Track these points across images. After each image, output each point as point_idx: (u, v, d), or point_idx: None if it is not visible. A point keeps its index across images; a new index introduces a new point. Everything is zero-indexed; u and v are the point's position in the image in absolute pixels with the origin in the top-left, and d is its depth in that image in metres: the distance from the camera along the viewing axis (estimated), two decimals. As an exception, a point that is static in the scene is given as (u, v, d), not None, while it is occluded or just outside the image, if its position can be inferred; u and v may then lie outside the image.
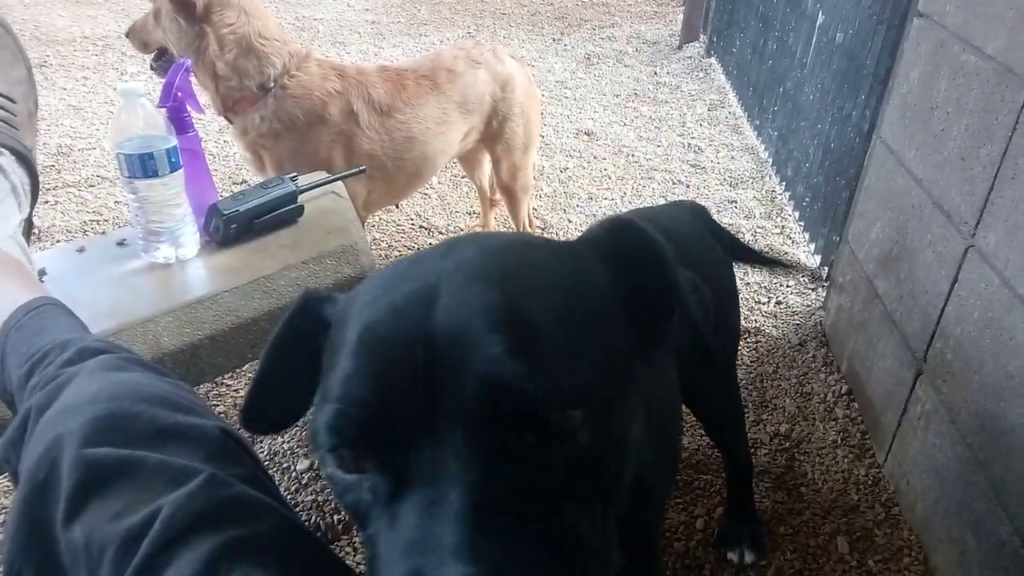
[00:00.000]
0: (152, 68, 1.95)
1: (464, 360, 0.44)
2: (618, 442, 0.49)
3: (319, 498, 1.58)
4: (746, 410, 1.80)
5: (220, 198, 1.32)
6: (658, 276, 0.55)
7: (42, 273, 1.18)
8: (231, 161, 3.04)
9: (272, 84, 1.79)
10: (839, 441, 1.72)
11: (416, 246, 2.52)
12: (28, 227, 1.15)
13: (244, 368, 1.91)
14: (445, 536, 0.41)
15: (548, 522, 0.45)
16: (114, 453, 0.61)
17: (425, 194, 2.86)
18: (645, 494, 0.72)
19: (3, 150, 1.04)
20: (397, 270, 0.52)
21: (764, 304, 2.20)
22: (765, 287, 2.27)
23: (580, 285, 0.52)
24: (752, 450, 1.65)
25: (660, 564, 0.83)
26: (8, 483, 1.60)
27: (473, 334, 0.44)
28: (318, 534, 1.50)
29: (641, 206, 2.68)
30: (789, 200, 2.73)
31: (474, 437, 0.43)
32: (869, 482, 1.61)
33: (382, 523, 0.46)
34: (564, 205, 2.76)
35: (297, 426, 1.76)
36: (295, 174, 1.38)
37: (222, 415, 1.78)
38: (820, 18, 2.53)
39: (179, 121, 1.26)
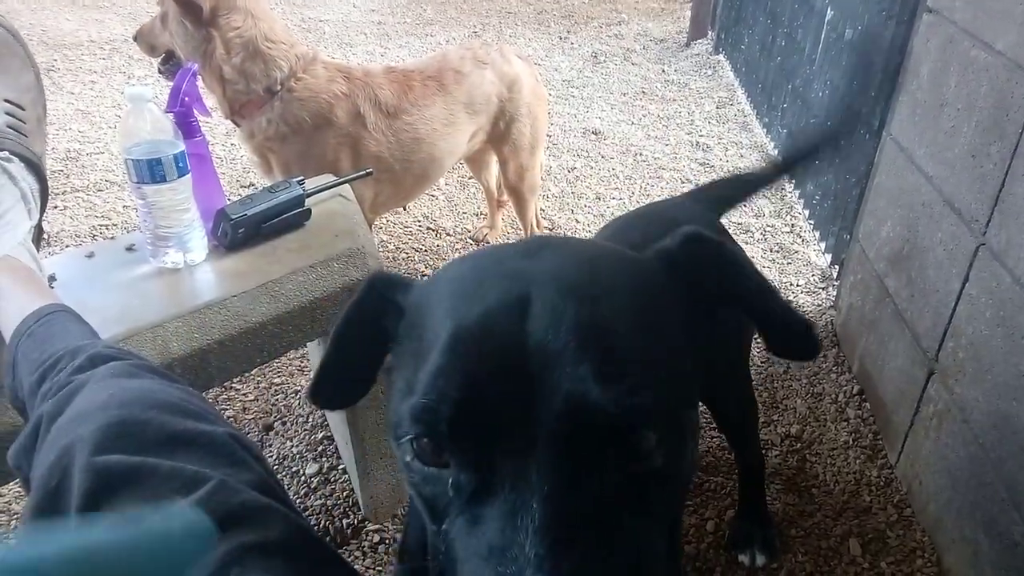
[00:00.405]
0: (160, 71, 1.96)
1: (554, 376, 0.46)
2: (685, 461, 0.51)
3: (328, 502, 1.58)
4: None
5: (228, 202, 1.32)
6: (734, 283, 0.57)
7: (52, 279, 1.18)
8: (238, 164, 3.05)
9: (279, 87, 1.79)
10: (851, 442, 1.71)
11: (423, 248, 2.52)
12: (38, 233, 1.15)
13: (253, 372, 1.92)
14: (527, 547, 0.43)
15: (617, 537, 0.47)
16: (125, 460, 0.62)
17: (432, 196, 2.86)
18: None
19: (12, 157, 1.04)
20: (481, 265, 0.55)
21: (774, 303, 2.19)
22: (776, 286, 2.26)
23: (659, 305, 0.54)
24: (763, 451, 1.65)
25: (680, 565, 0.85)
26: (18, 488, 1.61)
27: (564, 352, 0.46)
28: (327, 539, 1.50)
29: (649, 205, 2.67)
30: (799, 198, 2.72)
31: (557, 451, 0.45)
32: (881, 483, 1.60)
33: (462, 522, 0.48)
34: (572, 205, 2.76)
35: (306, 429, 1.77)
36: (302, 178, 1.38)
37: (231, 419, 1.79)
38: (829, 14, 2.51)
39: (186, 126, 1.26)
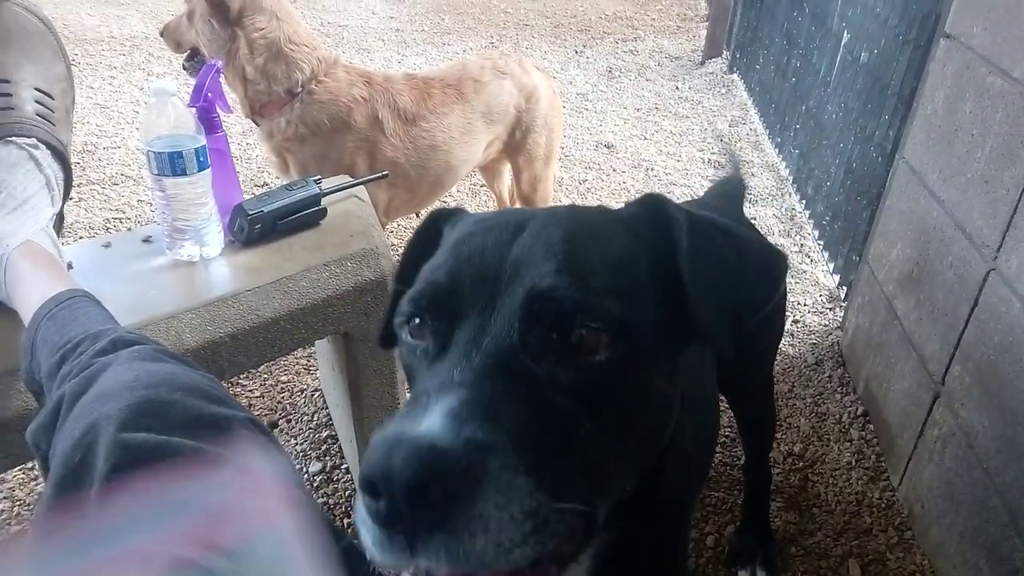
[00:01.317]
0: (184, 68, 1.98)
1: (523, 274, 0.57)
2: (636, 379, 0.58)
3: (330, 501, 1.58)
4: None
5: (245, 198, 1.33)
6: (676, 242, 0.63)
7: (68, 267, 1.19)
8: (253, 163, 3.07)
9: (300, 89, 1.81)
10: (853, 463, 1.71)
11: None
12: (59, 221, 1.16)
13: (260, 369, 1.93)
14: (457, 373, 0.52)
15: (548, 408, 0.53)
16: (151, 439, 0.63)
17: (444, 203, 2.87)
18: (683, 465, 0.79)
19: (40, 144, 1.06)
20: (502, 213, 0.67)
21: (781, 322, 2.19)
22: (782, 305, 2.26)
23: (624, 246, 0.63)
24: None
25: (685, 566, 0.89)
26: (22, 474, 1.62)
27: (535, 258, 0.57)
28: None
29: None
30: (809, 219, 2.72)
31: (508, 322, 0.55)
32: (883, 505, 1.60)
33: (421, 379, 0.57)
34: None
35: (311, 428, 1.77)
36: (319, 177, 1.40)
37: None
38: (845, 37, 2.53)
39: (208, 121, 1.27)
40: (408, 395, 0.63)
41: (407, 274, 0.69)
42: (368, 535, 0.48)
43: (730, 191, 1.43)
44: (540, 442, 0.51)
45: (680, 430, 0.71)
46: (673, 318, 0.61)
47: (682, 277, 0.61)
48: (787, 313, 2.23)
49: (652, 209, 0.66)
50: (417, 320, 0.60)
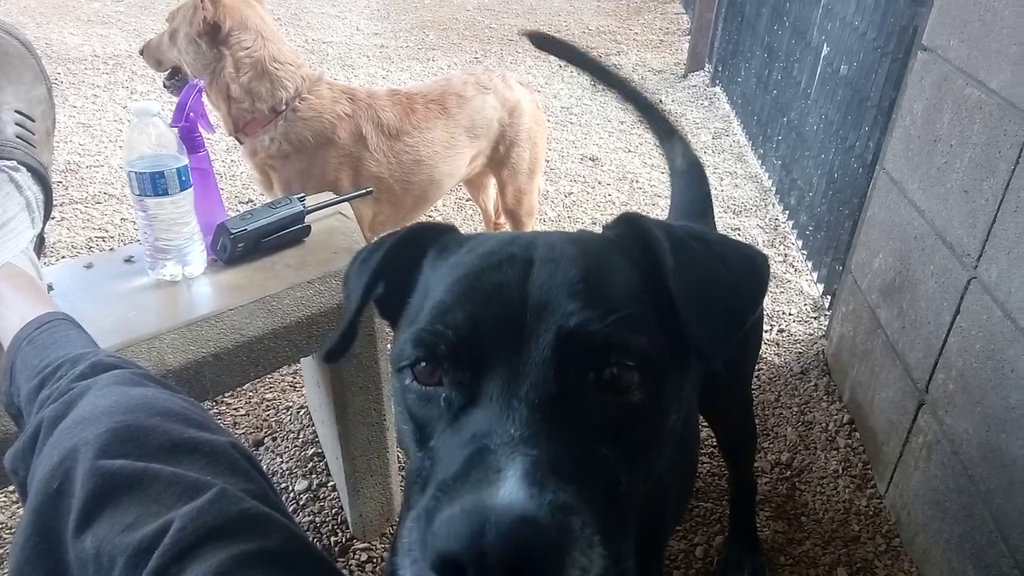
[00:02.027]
0: (165, 86, 1.98)
1: (548, 315, 0.54)
2: (662, 415, 0.58)
3: (316, 519, 1.57)
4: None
5: (228, 216, 1.33)
6: (657, 259, 0.62)
7: (49, 288, 1.18)
8: (238, 180, 3.06)
9: (283, 107, 1.82)
10: (840, 471, 1.71)
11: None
12: (40, 243, 1.16)
13: (245, 387, 1.91)
14: (512, 429, 0.49)
15: (592, 456, 0.52)
16: (129, 465, 0.62)
17: (429, 217, 2.87)
18: (659, 501, 0.77)
19: (20, 166, 1.05)
20: (493, 239, 0.63)
21: (766, 332, 2.20)
22: (768, 315, 2.28)
23: (625, 273, 0.61)
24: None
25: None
26: (3, 499, 1.60)
27: (557, 297, 0.55)
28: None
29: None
30: (792, 229, 2.74)
31: (545, 371, 0.52)
32: (870, 513, 1.61)
33: (448, 432, 0.53)
34: (568, 230, 2.77)
35: (296, 445, 1.76)
36: (303, 194, 1.40)
37: (223, 433, 1.78)
38: (825, 50, 2.56)
39: (190, 140, 1.27)
40: (410, 439, 0.58)
41: (372, 288, 0.66)
42: None
43: (695, 198, 1.34)
44: (598, 498, 0.49)
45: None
46: (672, 340, 0.60)
47: (670, 294, 0.59)
48: (772, 323, 2.24)
49: (634, 230, 0.65)
50: (429, 365, 0.56)
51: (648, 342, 0.55)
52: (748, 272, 0.65)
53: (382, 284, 0.69)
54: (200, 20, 1.75)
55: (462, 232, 0.69)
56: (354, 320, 0.67)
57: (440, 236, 0.68)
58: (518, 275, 0.57)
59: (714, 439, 1.78)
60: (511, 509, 0.43)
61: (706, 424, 1.43)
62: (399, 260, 0.67)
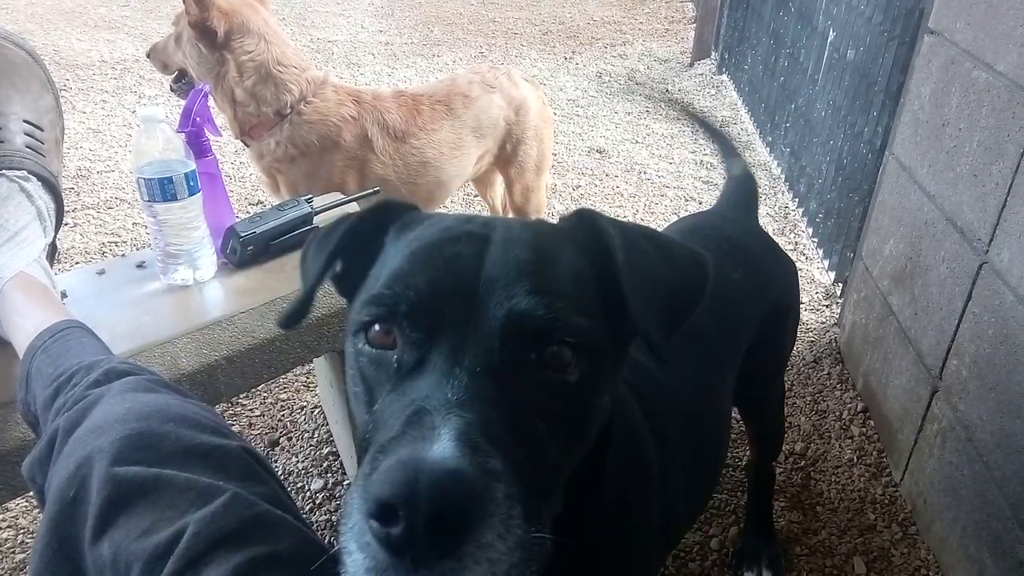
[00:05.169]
0: (172, 89, 1.99)
1: (499, 292, 0.57)
2: (594, 395, 0.61)
3: (333, 518, 1.58)
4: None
5: (237, 219, 1.34)
6: (609, 255, 0.64)
7: (63, 295, 1.20)
8: (247, 183, 3.08)
9: (289, 110, 1.82)
10: (855, 460, 1.71)
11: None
12: (52, 251, 1.17)
13: (259, 388, 1.93)
14: (449, 393, 0.52)
15: (526, 428, 0.54)
16: (143, 472, 0.63)
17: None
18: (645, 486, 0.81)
19: (30, 176, 1.07)
20: (452, 218, 0.67)
21: (778, 321, 2.19)
22: (779, 304, 2.27)
23: (575, 260, 0.64)
24: (767, 468, 1.65)
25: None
26: (24, 503, 1.62)
27: (509, 276, 0.58)
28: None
29: (653, 224, 2.69)
30: (802, 216, 2.73)
31: (490, 344, 0.55)
32: (886, 501, 1.60)
33: (395, 395, 0.56)
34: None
35: (311, 445, 1.77)
36: (311, 196, 1.40)
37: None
38: (831, 35, 2.54)
39: (198, 145, 1.28)
40: (359, 402, 0.61)
41: (332, 262, 0.68)
42: (364, 562, 0.48)
43: (742, 197, 1.42)
44: (523, 465, 0.51)
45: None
46: (614, 326, 0.63)
47: (619, 286, 0.62)
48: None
49: (587, 224, 0.68)
50: (383, 326, 0.59)
51: (589, 327, 0.59)
52: (693, 271, 0.69)
53: (340, 262, 0.71)
54: (186, 24, 1.75)
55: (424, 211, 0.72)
56: (310, 293, 0.69)
57: (402, 214, 0.70)
58: (474, 250, 0.60)
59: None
60: (443, 463, 0.46)
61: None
62: (360, 237, 0.69)
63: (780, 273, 1.26)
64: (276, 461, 1.74)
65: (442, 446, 0.47)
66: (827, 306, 2.26)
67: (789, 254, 1.33)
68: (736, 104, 3.88)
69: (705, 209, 2.85)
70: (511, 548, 0.48)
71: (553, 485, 0.58)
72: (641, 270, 0.64)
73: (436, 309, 0.57)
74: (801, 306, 2.25)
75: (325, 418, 1.85)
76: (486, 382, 0.54)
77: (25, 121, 1.11)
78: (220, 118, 1.75)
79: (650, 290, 0.64)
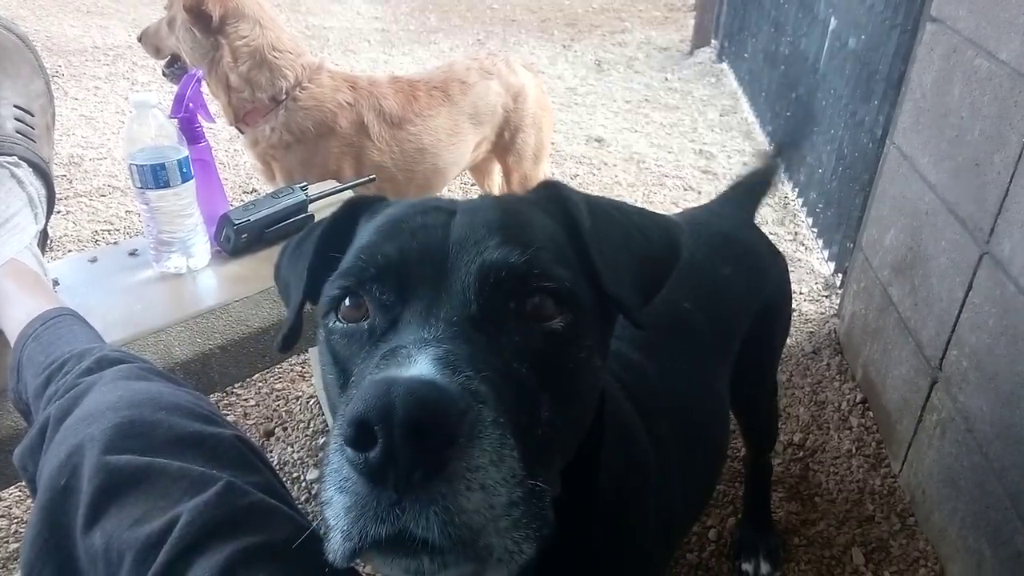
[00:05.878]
0: (164, 74, 1.96)
1: (470, 249, 0.56)
2: (582, 349, 0.58)
3: (330, 507, 1.57)
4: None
5: (231, 207, 1.32)
6: (576, 221, 0.64)
7: (55, 283, 1.18)
8: (241, 170, 3.06)
9: (284, 96, 1.80)
10: (854, 450, 1.70)
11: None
12: (44, 239, 1.15)
13: (254, 378, 1.92)
14: (427, 334, 0.50)
15: (513, 374, 0.52)
16: (135, 460, 0.62)
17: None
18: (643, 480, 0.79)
19: (21, 162, 1.05)
20: (418, 199, 0.66)
21: (776, 311, 2.19)
22: (777, 294, 2.26)
23: (545, 222, 0.64)
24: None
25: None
26: (18, 492, 1.61)
27: (479, 233, 0.57)
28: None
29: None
30: (802, 206, 2.72)
31: (465, 295, 0.54)
32: (884, 492, 1.60)
33: (369, 358, 0.53)
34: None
35: (307, 435, 1.76)
36: (306, 184, 1.39)
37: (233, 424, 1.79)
38: (833, 23, 2.52)
39: (191, 132, 1.26)
40: (334, 387, 0.59)
41: (312, 274, 0.66)
42: (343, 501, 0.44)
43: (747, 190, 1.41)
44: (514, 412, 0.48)
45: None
46: (594, 292, 0.62)
47: (588, 254, 0.61)
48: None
49: (553, 194, 0.68)
50: (354, 298, 0.57)
51: (567, 275, 0.57)
52: (663, 237, 0.69)
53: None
54: (179, 8, 1.73)
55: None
56: (298, 311, 0.68)
57: (371, 205, 0.70)
58: (441, 220, 0.60)
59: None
60: (419, 377, 0.44)
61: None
62: (336, 236, 0.68)
63: (773, 269, 1.25)
64: (271, 451, 1.73)
65: (419, 367, 0.45)
66: (826, 296, 2.25)
67: (789, 244, 1.32)
68: (736, 93, 3.86)
69: (704, 200, 2.85)
70: (507, 479, 0.44)
71: (550, 449, 0.55)
72: (608, 235, 0.63)
73: (406, 272, 0.56)
74: (800, 296, 2.25)
75: (320, 408, 1.84)
76: (466, 328, 0.51)
77: (15, 106, 1.09)
78: (214, 104, 1.73)
79: (620, 255, 0.63)
